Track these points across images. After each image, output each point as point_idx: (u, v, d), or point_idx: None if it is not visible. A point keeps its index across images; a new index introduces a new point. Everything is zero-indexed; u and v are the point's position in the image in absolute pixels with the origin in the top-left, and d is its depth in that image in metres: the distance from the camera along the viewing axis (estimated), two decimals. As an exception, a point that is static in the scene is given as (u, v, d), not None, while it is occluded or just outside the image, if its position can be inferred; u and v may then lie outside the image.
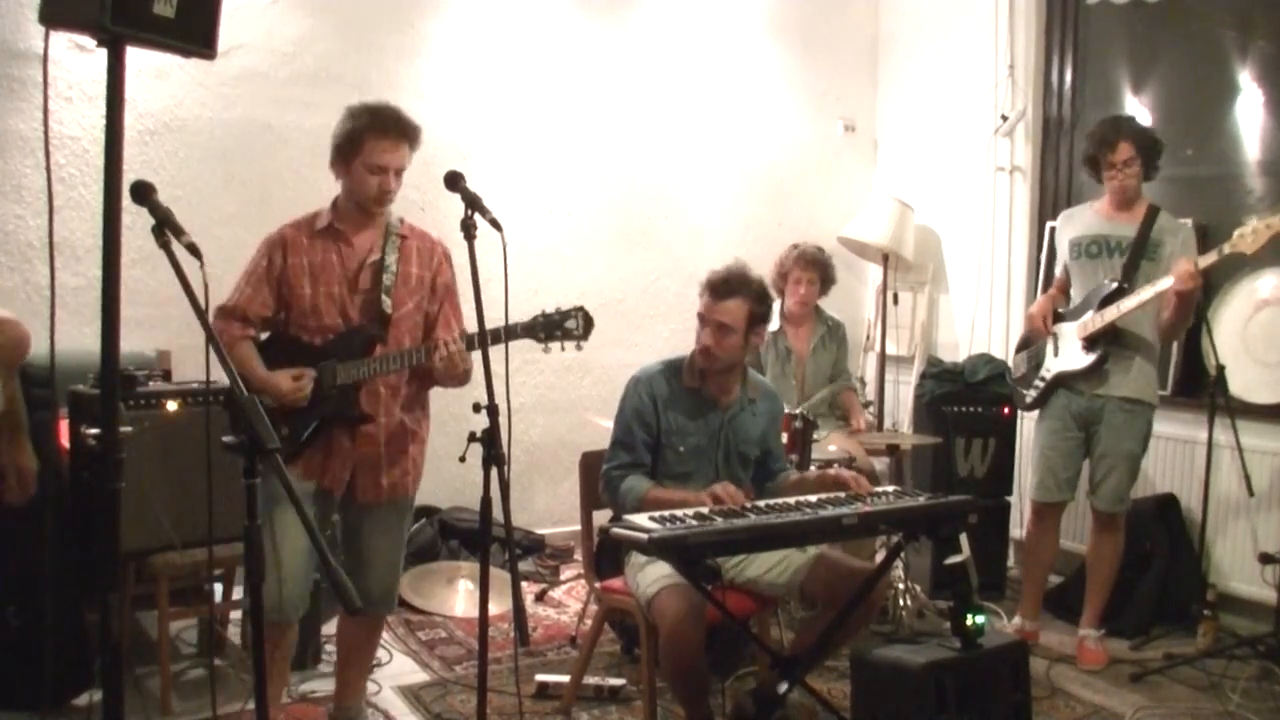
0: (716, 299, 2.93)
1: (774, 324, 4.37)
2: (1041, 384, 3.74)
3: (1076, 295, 3.72)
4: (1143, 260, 3.54)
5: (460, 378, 2.71)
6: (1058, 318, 3.74)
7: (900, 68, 5.62)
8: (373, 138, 2.66)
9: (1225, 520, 4.07)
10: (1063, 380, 3.68)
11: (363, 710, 3.02)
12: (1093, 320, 3.55)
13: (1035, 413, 3.86)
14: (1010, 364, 4.03)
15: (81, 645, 2.93)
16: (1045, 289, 4.49)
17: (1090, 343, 3.58)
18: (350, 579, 2.72)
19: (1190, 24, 4.40)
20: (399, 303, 2.76)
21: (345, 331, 2.73)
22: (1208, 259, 3.30)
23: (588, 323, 2.67)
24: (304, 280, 2.69)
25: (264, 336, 2.79)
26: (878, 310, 5.38)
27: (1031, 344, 3.87)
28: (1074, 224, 3.75)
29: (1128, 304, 3.45)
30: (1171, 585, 3.99)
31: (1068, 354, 3.66)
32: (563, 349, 2.69)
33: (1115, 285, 3.54)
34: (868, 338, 5.65)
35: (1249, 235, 3.21)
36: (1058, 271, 3.87)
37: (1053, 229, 4.34)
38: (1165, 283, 3.35)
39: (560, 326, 2.65)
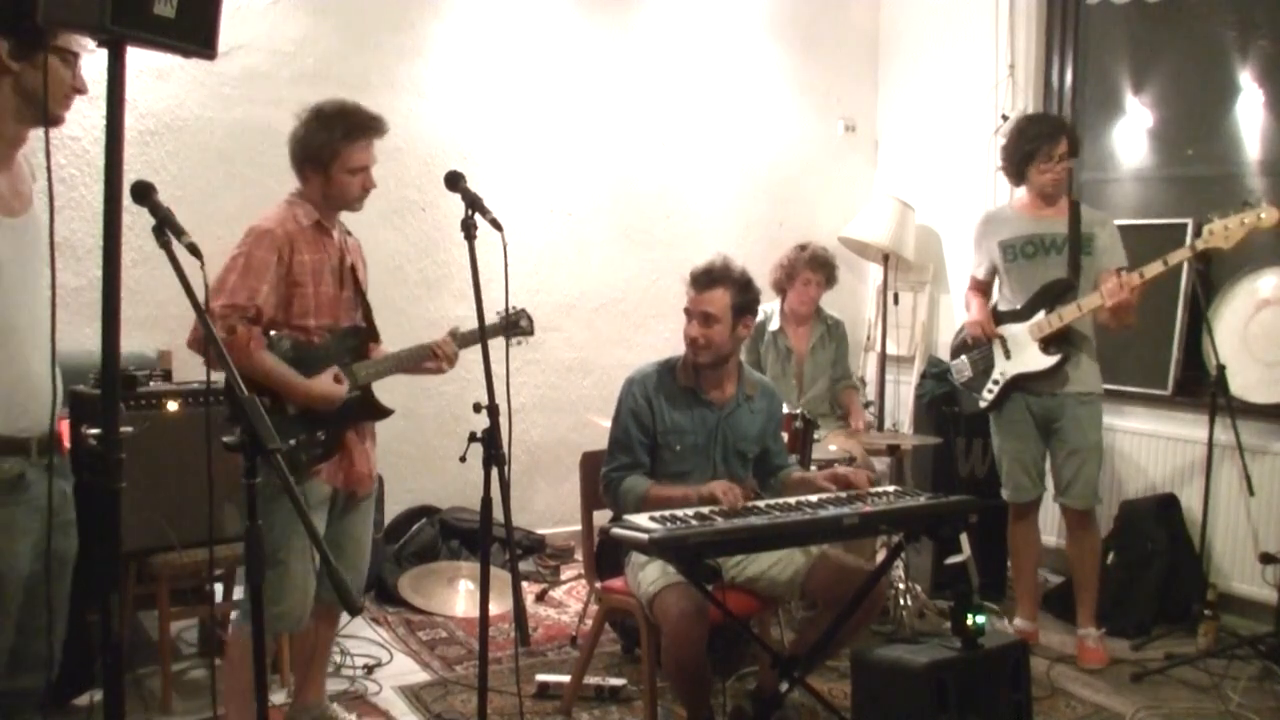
0: (700, 289, 2.99)
1: (774, 323, 4.40)
2: (996, 387, 3.73)
3: (1016, 296, 3.70)
4: (1081, 256, 3.56)
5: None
6: (997, 319, 3.73)
7: (901, 68, 5.62)
8: (348, 144, 2.68)
9: (1225, 520, 4.06)
10: (1019, 382, 3.67)
11: (328, 705, 2.99)
12: (1049, 321, 3.56)
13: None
14: (952, 369, 3.96)
15: (82, 645, 2.92)
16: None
17: (1047, 344, 3.58)
18: (330, 572, 2.76)
19: (1190, 24, 4.40)
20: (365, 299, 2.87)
21: (343, 331, 2.75)
22: (1178, 256, 3.35)
23: (530, 321, 3.09)
24: (308, 278, 2.66)
25: None
26: (878, 310, 5.38)
27: (971, 349, 3.84)
28: (1001, 226, 3.73)
29: (1088, 303, 3.47)
30: (1172, 585, 3.99)
31: (1023, 356, 3.65)
32: (519, 343, 3.03)
33: (1064, 284, 3.55)
34: (868, 337, 5.65)
35: (1219, 231, 3.23)
36: (979, 274, 3.84)
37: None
38: (1105, 291, 3.41)
39: (516, 325, 3.02)
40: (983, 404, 3.79)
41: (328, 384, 2.64)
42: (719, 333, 2.96)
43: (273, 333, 2.63)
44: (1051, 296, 3.58)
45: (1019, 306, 3.68)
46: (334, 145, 2.66)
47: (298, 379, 2.59)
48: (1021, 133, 3.69)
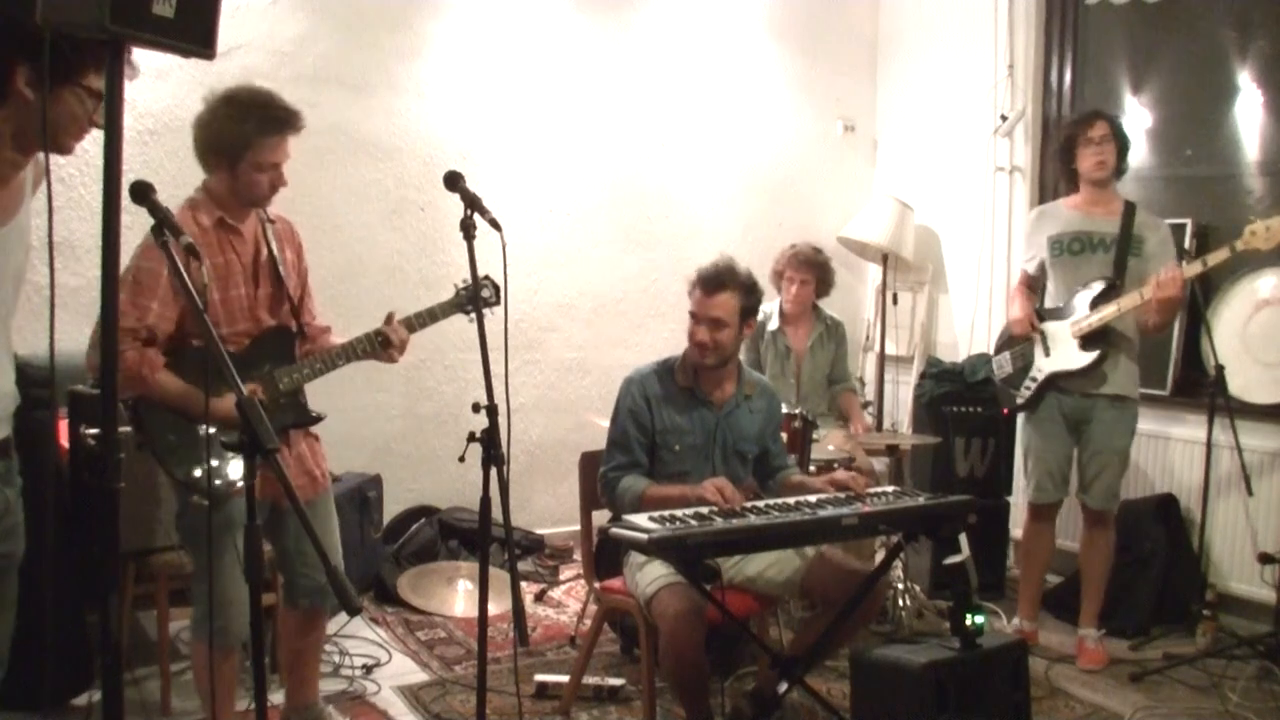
0: (708, 294, 2.95)
1: (774, 323, 4.40)
2: (1033, 384, 3.73)
3: (1059, 293, 3.71)
4: (1129, 256, 3.55)
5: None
6: (1040, 316, 3.73)
7: (900, 68, 5.62)
8: (260, 138, 2.50)
9: (1225, 520, 4.06)
10: (1055, 380, 3.67)
11: (322, 706, 2.99)
12: (1088, 319, 3.55)
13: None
14: (993, 364, 3.98)
15: (81, 645, 2.93)
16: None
17: (1085, 341, 3.58)
18: (299, 577, 2.73)
19: (1190, 24, 4.40)
20: (293, 293, 2.68)
21: (263, 334, 2.60)
22: (1217, 256, 3.30)
23: (496, 289, 2.78)
24: (212, 284, 2.47)
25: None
26: (877, 310, 5.38)
27: (1014, 345, 3.85)
28: (1052, 221, 3.73)
29: (1128, 302, 3.45)
30: (1171, 585, 3.99)
31: (1062, 354, 3.64)
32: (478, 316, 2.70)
33: (1108, 283, 3.54)
34: (867, 338, 5.65)
35: (1261, 232, 3.21)
36: (1030, 269, 3.83)
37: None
38: (1151, 288, 3.36)
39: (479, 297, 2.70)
40: (1019, 401, 3.78)
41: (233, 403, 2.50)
42: (727, 336, 2.95)
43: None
44: (1094, 294, 3.56)
45: (1062, 304, 3.67)
46: (246, 138, 2.47)
47: (201, 400, 2.34)
48: (1061, 128, 3.74)
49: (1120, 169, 3.65)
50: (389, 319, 2.73)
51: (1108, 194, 3.64)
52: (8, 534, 1.95)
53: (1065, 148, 3.68)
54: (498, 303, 2.79)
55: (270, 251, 2.62)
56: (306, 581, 2.74)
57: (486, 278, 2.74)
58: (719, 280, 2.95)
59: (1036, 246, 3.77)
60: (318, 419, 2.72)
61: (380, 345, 2.69)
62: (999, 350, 3.94)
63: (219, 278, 2.50)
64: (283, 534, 2.73)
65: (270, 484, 2.46)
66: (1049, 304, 3.75)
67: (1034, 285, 3.84)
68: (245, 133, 2.48)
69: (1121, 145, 3.61)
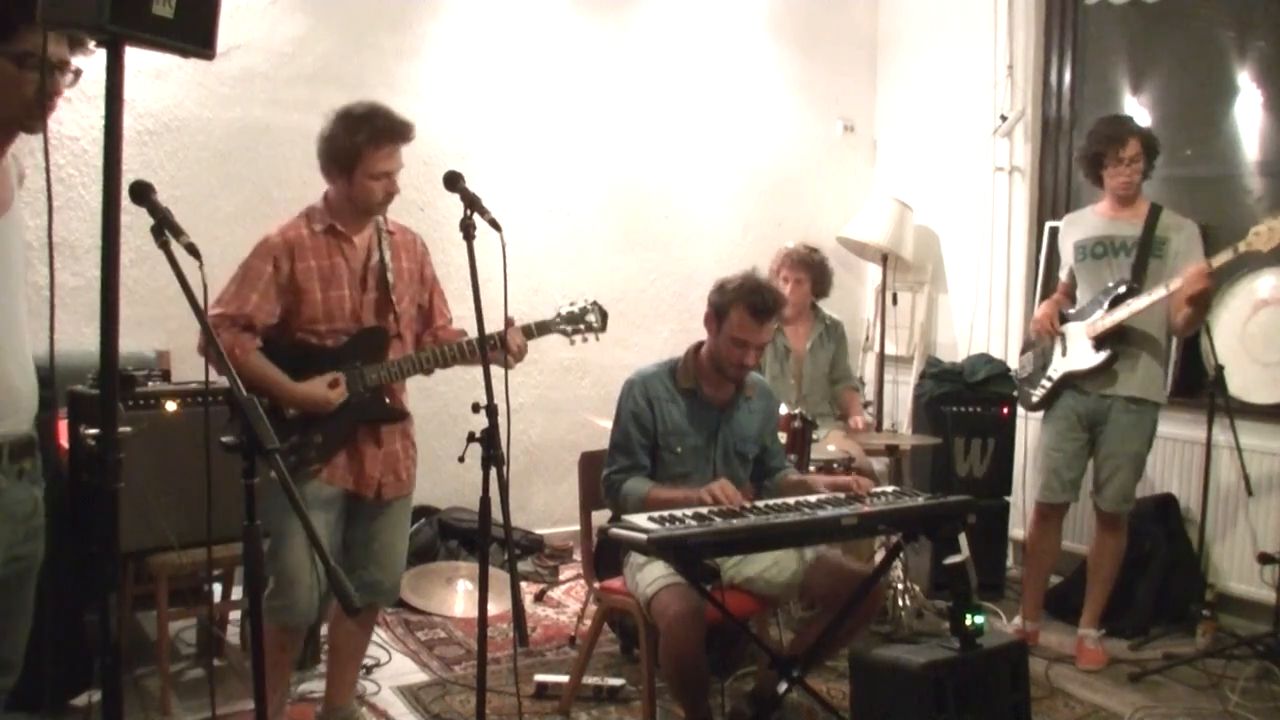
0: (763, 321, 2.94)
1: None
2: (1049, 384, 3.73)
3: (1083, 296, 3.72)
4: (1150, 259, 3.55)
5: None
6: (1063, 318, 3.74)
7: (899, 68, 5.62)
8: (371, 149, 2.64)
9: (1224, 520, 4.07)
10: (1070, 380, 3.67)
11: (355, 708, 3.01)
12: (1102, 320, 3.55)
13: (1037, 413, 3.87)
14: (1016, 365, 4.02)
15: (81, 645, 2.92)
16: (1045, 292, 4.51)
17: (1099, 342, 3.58)
18: (361, 575, 2.77)
19: (1189, 24, 4.40)
20: (401, 300, 2.81)
21: (360, 333, 2.73)
22: (1222, 258, 3.29)
23: (603, 315, 3.02)
24: (315, 284, 2.65)
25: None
26: (877, 310, 5.38)
27: (1037, 345, 3.87)
28: (1077, 227, 3.75)
29: (1139, 304, 3.45)
30: (1171, 585, 4.00)
31: (1076, 354, 3.65)
32: (584, 340, 2.96)
33: (1126, 285, 3.54)
34: (867, 338, 5.65)
35: (1264, 233, 3.22)
36: (1063, 276, 3.86)
37: (1054, 231, 4.34)
38: (1176, 283, 3.36)
39: (582, 320, 2.98)
40: (1034, 399, 3.80)
41: (316, 388, 2.62)
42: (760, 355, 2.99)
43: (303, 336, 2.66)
44: (1112, 297, 3.56)
45: (1085, 307, 3.68)
46: (357, 149, 2.63)
47: (285, 383, 2.60)
48: (1092, 135, 3.70)
49: (1147, 174, 3.64)
50: (516, 326, 2.81)
51: (1136, 195, 3.64)
52: (33, 535, 1.95)
53: (1094, 159, 3.65)
54: (603, 329, 2.99)
55: (382, 259, 2.76)
56: (365, 575, 2.79)
57: (594, 304, 2.99)
58: (776, 306, 2.96)
59: (1066, 253, 3.79)
60: (400, 415, 2.85)
61: (496, 345, 2.73)
62: (1023, 352, 3.97)
63: (322, 278, 2.66)
64: (351, 526, 2.79)
65: (346, 473, 2.71)
66: (1073, 308, 3.76)
67: (1069, 294, 3.85)
68: (356, 144, 2.63)
69: (1151, 155, 3.59)
